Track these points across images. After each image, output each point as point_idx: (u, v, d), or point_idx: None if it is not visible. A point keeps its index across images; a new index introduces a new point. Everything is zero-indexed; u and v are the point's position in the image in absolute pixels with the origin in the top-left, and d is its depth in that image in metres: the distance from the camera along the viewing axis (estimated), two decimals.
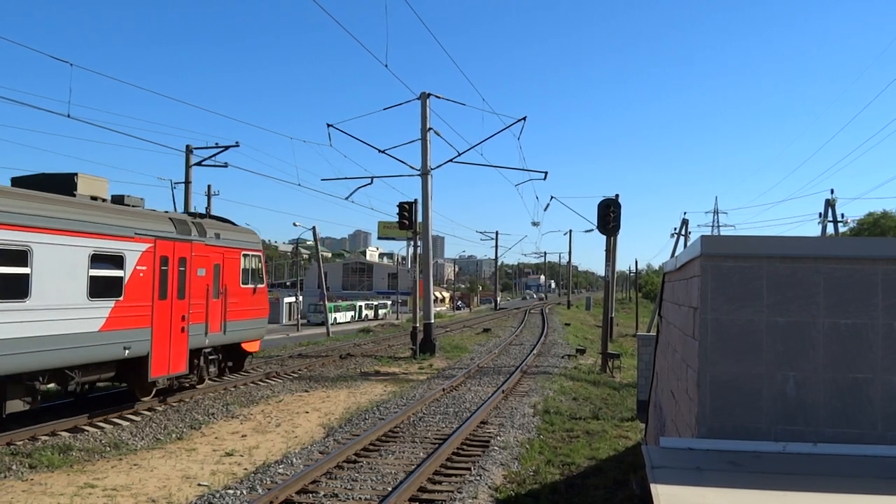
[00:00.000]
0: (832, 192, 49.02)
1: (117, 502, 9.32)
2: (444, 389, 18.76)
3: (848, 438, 4.62)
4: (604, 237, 29.10)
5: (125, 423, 14.17)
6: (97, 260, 13.45)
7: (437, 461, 10.94)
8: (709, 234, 46.29)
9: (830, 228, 40.98)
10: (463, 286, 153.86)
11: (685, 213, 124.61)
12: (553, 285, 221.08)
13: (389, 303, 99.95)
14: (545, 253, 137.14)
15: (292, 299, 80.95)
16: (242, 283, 18.57)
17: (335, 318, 76.10)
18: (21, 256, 11.88)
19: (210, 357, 17.63)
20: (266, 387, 19.70)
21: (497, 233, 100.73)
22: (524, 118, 30.31)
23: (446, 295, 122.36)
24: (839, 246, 4.93)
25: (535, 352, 30.48)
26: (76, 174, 14.37)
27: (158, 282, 15.00)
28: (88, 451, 11.93)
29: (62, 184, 14.17)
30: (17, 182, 14.36)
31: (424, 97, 29.74)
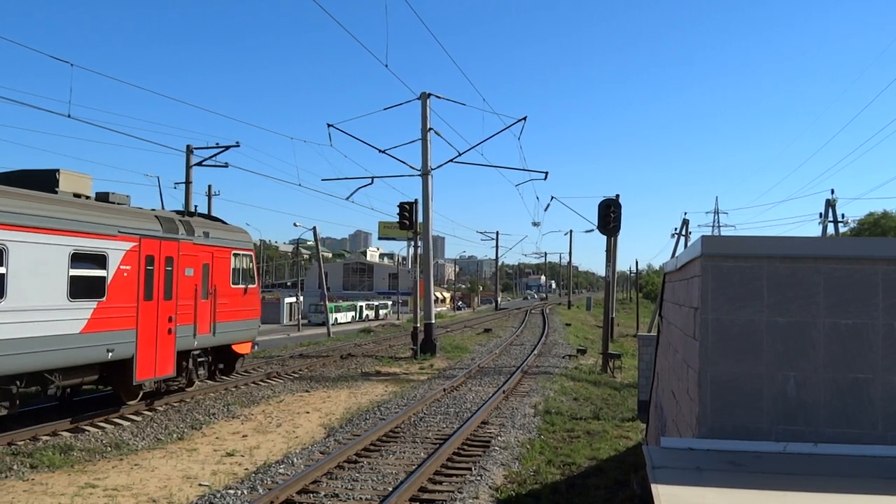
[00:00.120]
0: (832, 192, 49.04)
1: (118, 502, 9.32)
2: (444, 389, 18.77)
3: (848, 438, 4.63)
4: (604, 237, 29.12)
5: (126, 424, 14.17)
6: (78, 259, 12.99)
7: (438, 461, 10.94)
8: (709, 234, 46.28)
9: (831, 229, 40.98)
10: (463, 286, 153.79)
11: (686, 214, 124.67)
12: (553, 285, 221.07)
13: (390, 303, 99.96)
14: (546, 253, 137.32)
15: (293, 299, 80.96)
16: (233, 284, 18.12)
17: (336, 318, 76.10)
18: None
19: (199, 359, 17.20)
20: (267, 387, 19.71)
21: (497, 233, 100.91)
22: (524, 118, 30.33)
23: (447, 295, 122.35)
24: (839, 246, 4.94)
25: (535, 352, 30.48)
26: (58, 171, 13.93)
27: (144, 282, 14.55)
28: (89, 451, 11.94)
29: (43, 181, 13.71)
30: None
31: (425, 97, 29.75)
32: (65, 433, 13.11)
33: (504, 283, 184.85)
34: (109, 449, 12.25)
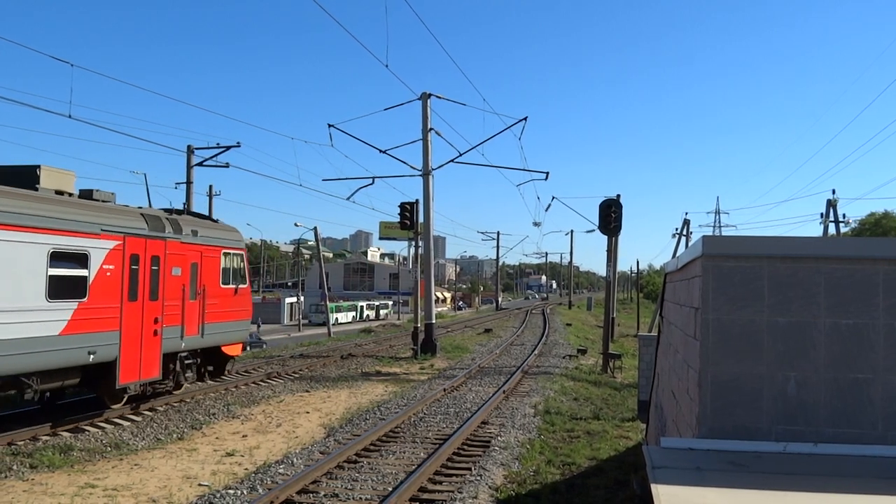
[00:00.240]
0: (833, 192, 48.96)
1: (118, 502, 9.32)
2: (445, 390, 18.76)
3: (848, 438, 4.62)
4: (605, 237, 29.12)
5: (126, 424, 14.17)
6: (58, 258, 12.45)
7: (438, 461, 10.93)
8: (710, 234, 46.25)
9: (832, 229, 40.97)
10: (464, 286, 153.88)
11: (686, 214, 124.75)
12: (554, 286, 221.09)
13: (391, 303, 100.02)
14: (546, 253, 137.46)
15: (294, 299, 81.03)
16: (223, 284, 17.60)
17: (336, 318, 76.17)
18: None
19: (187, 361, 16.65)
20: (267, 387, 19.71)
21: (498, 233, 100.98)
22: (525, 118, 30.34)
23: (448, 295, 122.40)
24: (840, 246, 4.93)
25: (536, 352, 30.47)
26: (39, 167, 13.47)
27: (128, 282, 14.01)
28: (89, 451, 11.94)
29: (24, 177, 13.19)
30: None
31: (425, 97, 29.75)
32: (65, 433, 13.10)
33: (505, 283, 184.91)
34: (109, 449, 12.24)
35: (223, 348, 17.97)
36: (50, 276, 12.29)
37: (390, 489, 9.50)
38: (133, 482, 10.22)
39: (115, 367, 13.71)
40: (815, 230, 44.51)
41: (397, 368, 25.15)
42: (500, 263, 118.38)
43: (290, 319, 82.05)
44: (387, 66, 25.17)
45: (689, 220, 55.01)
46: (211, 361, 18.05)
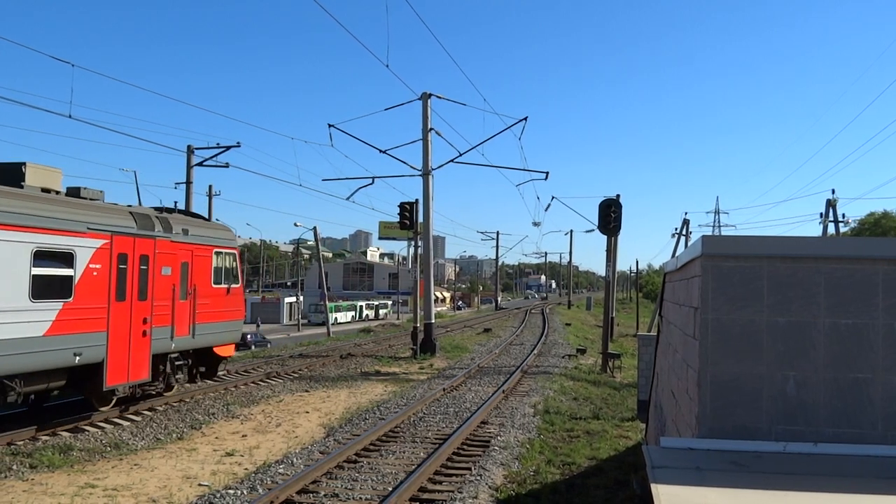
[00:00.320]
0: (833, 192, 48.99)
1: (118, 502, 9.32)
2: (444, 389, 18.76)
3: (848, 438, 4.62)
4: (605, 237, 29.13)
5: (126, 423, 14.17)
6: (42, 257, 12.14)
7: (438, 461, 10.94)
8: (709, 234, 46.25)
9: (831, 228, 40.98)
10: (464, 286, 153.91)
11: (686, 213, 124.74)
12: (554, 285, 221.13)
13: (390, 303, 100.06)
14: (546, 253, 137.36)
15: (293, 299, 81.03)
16: (214, 283, 17.23)
17: (336, 318, 76.19)
18: None
19: (177, 363, 16.23)
20: (266, 387, 19.71)
21: (498, 233, 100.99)
22: (525, 118, 30.35)
23: (447, 295, 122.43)
24: (840, 246, 4.93)
25: (535, 352, 30.48)
26: (24, 164, 13.21)
27: (115, 281, 13.65)
28: (89, 451, 11.94)
29: (9, 174, 12.95)
30: None
31: (425, 97, 29.76)
32: (64, 433, 13.10)
33: (504, 282, 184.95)
34: (109, 449, 12.24)
35: (215, 349, 17.63)
36: (34, 275, 12.00)
37: (390, 489, 9.50)
38: (133, 482, 10.22)
39: (103, 368, 13.38)
40: (815, 230, 44.54)
41: (397, 368, 25.16)
42: (500, 263, 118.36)
43: (290, 319, 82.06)
44: (387, 65, 25.20)
45: (688, 220, 55.07)
46: (203, 362, 17.72)
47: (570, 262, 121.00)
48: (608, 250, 31.51)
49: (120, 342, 13.83)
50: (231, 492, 9.44)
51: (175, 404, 16.27)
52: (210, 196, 36.44)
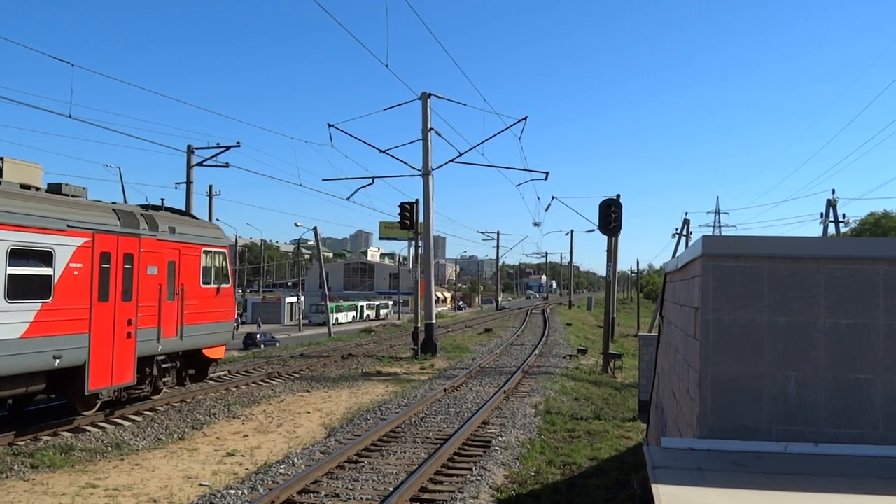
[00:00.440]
0: (833, 192, 48.99)
1: (119, 502, 9.33)
2: (445, 390, 18.77)
3: (849, 439, 4.62)
4: (605, 237, 29.12)
5: (127, 424, 14.17)
6: (18, 256, 11.70)
7: (439, 461, 10.94)
8: (710, 234, 46.29)
9: (832, 228, 40.96)
10: (464, 286, 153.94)
11: (686, 214, 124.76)
12: (554, 285, 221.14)
13: (391, 303, 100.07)
14: (546, 253, 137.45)
15: (294, 299, 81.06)
16: (203, 283, 16.68)
17: (337, 318, 76.22)
18: None
19: (164, 365, 15.67)
20: (267, 387, 19.72)
21: (498, 233, 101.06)
22: (525, 118, 30.36)
23: (448, 295, 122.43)
24: (840, 246, 4.94)
25: (536, 352, 30.48)
26: (2, 158, 12.90)
27: (98, 281, 13.14)
28: (90, 452, 11.95)
29: None
30: None
31: (425, 97, 29.76)
32: (65, 433, 13.11)
33: (505, 283, 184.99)
34: (110, 449, 12.25)
35: (204, 351, 17.08)
36: (9, 275, 11.57)
37: (391, 489, 9.51)
38: (134, 482, 10.23)
39: (84, 371, 12.91)
40: (815, 230, 44.53)
41: (398, 368, 25.16)
42: (500, 263, 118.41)
43: (291, 319, 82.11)
44: (387, 65, 25.21)
45: (689, 220, 55.04)
46: (192, 365, 17.17)
47: (570, 262, 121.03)
48: (609, 250, 31.51)
49: (103, 344, 13.34)
50: (232, 492, 9.45)
51: (176, 404, 16.28)
52: (210, 196, 36.47)
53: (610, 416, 15.93)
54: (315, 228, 55.51)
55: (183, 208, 29.08)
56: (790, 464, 4.35)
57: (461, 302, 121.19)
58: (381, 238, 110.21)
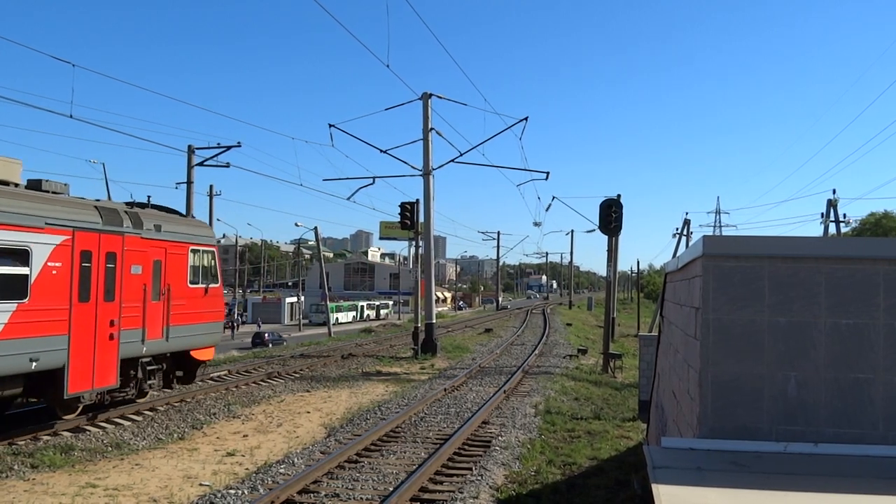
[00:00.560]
0: (834, 192, 48.96)
1: (119, 502, 9.33)
2: (445, 389, 18.77)
3: (849, 438, 4.62)
4: (606, 237, 29.14)
5: (127, 423, 14.18)
6: None
7: (439, 461, 10.94)
8: (710, 234, 46.25)
9: (832, 229, 40.95)
10: (464, 286, 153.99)
11: (687, 214, 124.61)
12: (555, 285, 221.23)
13: (391, 303, 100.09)
14: (547, 253, 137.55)
15: (294, 299, 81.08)
16: (191, 283, 16.16)
17: (337, 318, 76.24)
18: None
19: (150, 368, 15.13)
20: (267, 387, 19.72)
21: (499, 233, 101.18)
22: (526, 118, 30.36)
23: (448, 295, 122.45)
24: (841, 246, 4.94)
25: (536, 352, 30.47)
26: None
27: (78, 281, 12.65)
28: (90, 451, 11.95)
29: None
30: None
31: (426, 97, 29.77)
32: (65, 433, 13.11)
33: (505, 283, 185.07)
34: (110, 449, 12.26)
35: (192, 352, 16.54)
36: None
37: (391, 489, 9.51)
38: (134, 482, 10.23)
39: (64, 374, 12.41)
40: (816, 230, 44.50)
41: (398, 368, 25.17)
42: (501, 263, 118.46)
43: (291, 319, 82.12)
44: (388, 65, 25.20)
45: (689, 220, 55.05)
46: (180, 367, 16.65)
47: (571, 262, 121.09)
48: (609, 250, 31.53)
49: (83, 346, 12.85)
50: (232, 492, 9.45)
51: (176, 404, 16.28)
52: (211, 196, 36.48)
53: (610, 415, 15.93)
54: (315, 228, 55.55)
55: (183, 208, 29.11)
56: (790, 464, 4.35)
57: (461, 302, 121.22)
58: (381, 238, 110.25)
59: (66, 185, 13.83)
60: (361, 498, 9.27)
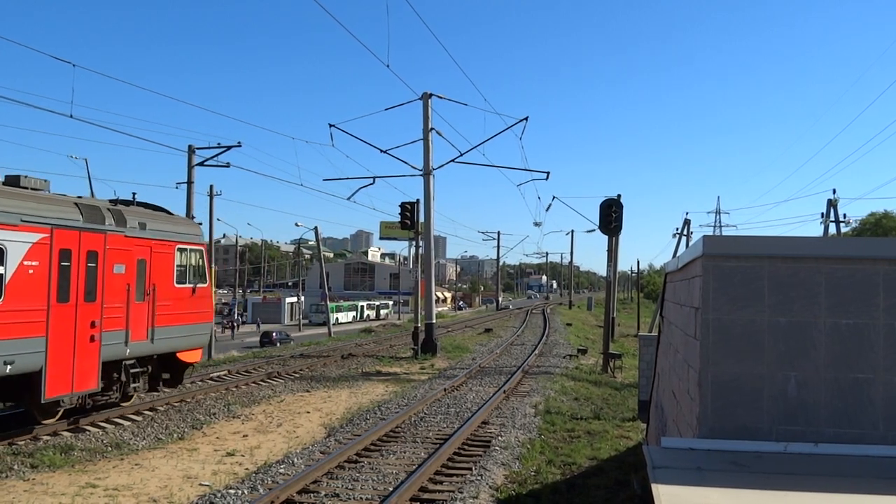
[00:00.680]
0: (834, 192, 48.96)
1: (119, 502, 9.33)
2: (445, 389, 18.76)
3: (849, 438, 4.62)
4: (606, 237, 29.15)
5: (127, 423, 14.18)
6: None
7: (439, 461, 10.94)
8: (710, 234, 46.27)
9: (832, 229, 40.95)
10: (465, 286, 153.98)
11: (687, 214, 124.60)
12: (555, 285, 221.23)
13: (391, 303, 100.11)
14: (547, 253, 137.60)
15: (294, 299, 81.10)
16: (177, 283, 15.65)
17: (337, 318, 76.26)
18: None
19: (134, 370, 14.65)
20: (267, 387, 19.72)
21: (499, 233, 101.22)
22: (526, 118, 30.37)
23: (448, 295, 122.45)
24: (841, 246, 4.94)
25: (536, 352, 30.48)
26: None
27: (56, 281, 12.21)
28: (90, 451, 11.95)
29: None
30: None
31: (426, 97, 29.77)
32: (65, 433, 13.11)
33: (505, 283, 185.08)
34: (110, 449, 12.25)
35: (179, 354, 16.03)
36: None
37: (391, 489, 9.51)
38: (134, 482, 10.23)
39: (41, 378, 11.99)
40: (816, 230, 44.49)
41: (398, 368, 25.16)
42: (501, 263, 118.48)
43: (291, 319, 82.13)
44: (388, 65, 25.20)
45: (689, 220, 55.09)
46: (166, 369, 16.17)
47: (571, 262, 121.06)
48: (609, 250, 31.53)
49: (62, 348, 12.41)
50: (232, 492, 9.44)
51: (176, 404, 16.29)
52: (211, 196, 36.47)
53: (610, 415, 15.92)
54: (316, 228, 55.56)
55: (183, 208, 29.12)
56: (790, 464, 4.35)
57: (461, 302, 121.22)
58: (381, 238, 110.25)
59: (46, 181, 13.42)
60: (361, 498, 9.27)
